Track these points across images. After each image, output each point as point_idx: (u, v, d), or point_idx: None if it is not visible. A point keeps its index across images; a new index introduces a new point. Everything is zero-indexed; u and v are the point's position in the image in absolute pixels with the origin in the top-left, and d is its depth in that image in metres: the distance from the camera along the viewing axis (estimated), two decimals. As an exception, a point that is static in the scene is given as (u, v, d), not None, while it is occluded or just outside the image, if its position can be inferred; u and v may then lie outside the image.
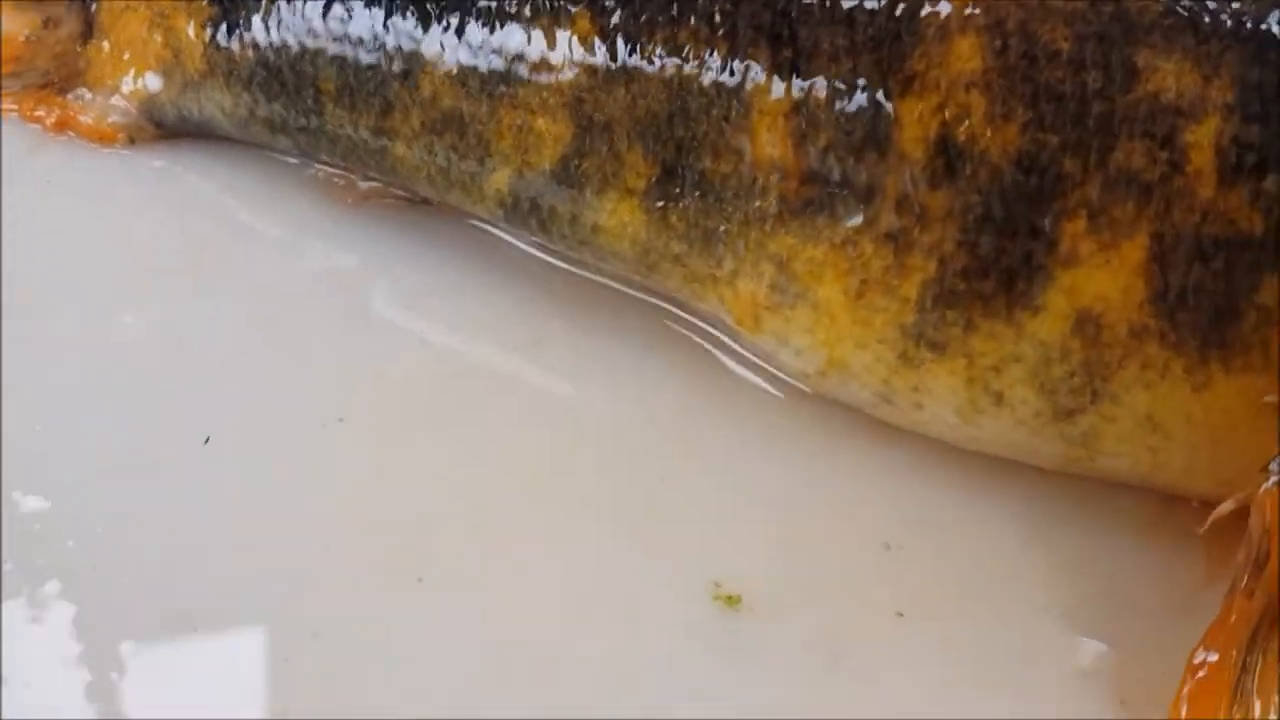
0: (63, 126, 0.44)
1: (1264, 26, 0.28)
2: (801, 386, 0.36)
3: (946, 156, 0.30)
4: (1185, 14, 0.28)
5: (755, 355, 0.37)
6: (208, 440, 0.36)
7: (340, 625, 0.33)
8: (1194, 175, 0.28)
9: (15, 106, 0.44)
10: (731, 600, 0.33)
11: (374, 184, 0.42)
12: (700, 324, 0.38)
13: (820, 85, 0.31)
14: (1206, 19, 0.28)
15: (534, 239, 0.40)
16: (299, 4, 0.39)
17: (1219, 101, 0.28)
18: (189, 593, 0.33)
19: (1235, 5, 0.28)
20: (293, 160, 0.43)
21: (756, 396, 0.37)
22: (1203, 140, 0.28)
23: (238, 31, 0.40)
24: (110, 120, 0.43)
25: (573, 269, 0.40)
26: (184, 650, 0.33)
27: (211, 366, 0.39)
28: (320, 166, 0.42)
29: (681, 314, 0.39)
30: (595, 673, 0.32)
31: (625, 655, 0.32)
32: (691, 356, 0.38)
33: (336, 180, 0.42)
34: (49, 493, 0.35)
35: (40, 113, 0.44)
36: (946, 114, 0.30)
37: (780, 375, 0.37)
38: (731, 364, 0.38)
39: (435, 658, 0.32)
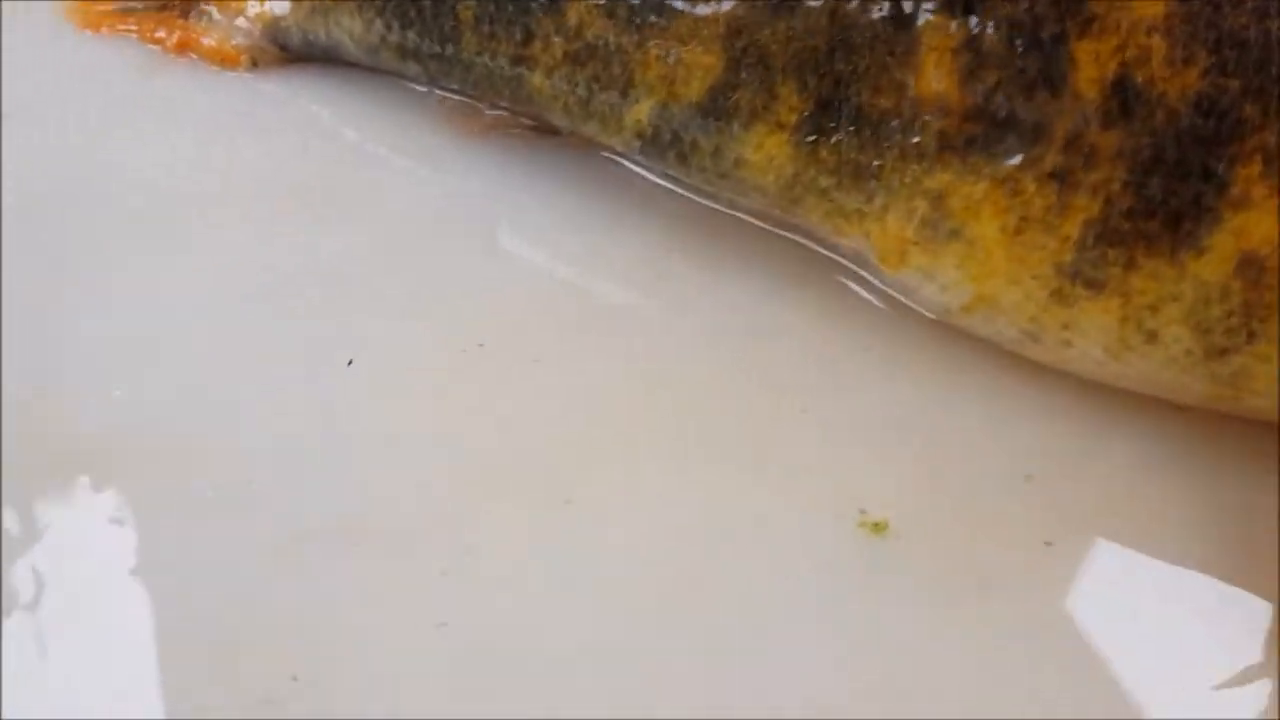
0: (184, 48, 0.44)
1: None
2: (942, 320, 0.37)
3: (1122, 98, 0.31)
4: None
5: (894, 290, 0.38)
6: (350, 362, 0.37)
7: (492, 542, 0.34)
8: (1379, 118, 0.29)
9: (135, 27, 0.44)
10: (878, 527, 0.34)
11: (500, 113, 0.42)
12: (836, 259, 0.39)
13: (994, 23, 0.32)
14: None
15: (668, 172, 0.40)
16: (440, -71, 0.39)
17: None
18: (340, 510, 0.34)
19: None
20: (419, 88, 0.43)
21: (895, 329, 0.38)
22: (1392, 84, 0.28)
23: (374, -46, 0.40)
24: (233, 42, 0.43)
25: (704, 202, 0.41)
26: (339, 563, 0.34)
27: (345, 291, 0.39)
28: (446, 94, 0.42)
29: (815, 249, 0.39)
30: (740, 597, 0.33)
31: (770, 581, 0.33)
32: (826, 291, 0.39)
33: (462, 108, 0.42)
34: (194, 421, 0.36)
35: (161, 34, 0.44)
36: (1126, 56, 0.30)
37: (919, 309, 0.38)
38: (868, 297, 0.39)
39: (582, 580, 0.33)
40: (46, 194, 0.41)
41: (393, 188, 0.42)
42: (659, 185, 0.41)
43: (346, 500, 0.34)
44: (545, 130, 0.42)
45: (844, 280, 0.39)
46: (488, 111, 0.42)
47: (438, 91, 0.43)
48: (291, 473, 0.35)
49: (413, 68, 0.42)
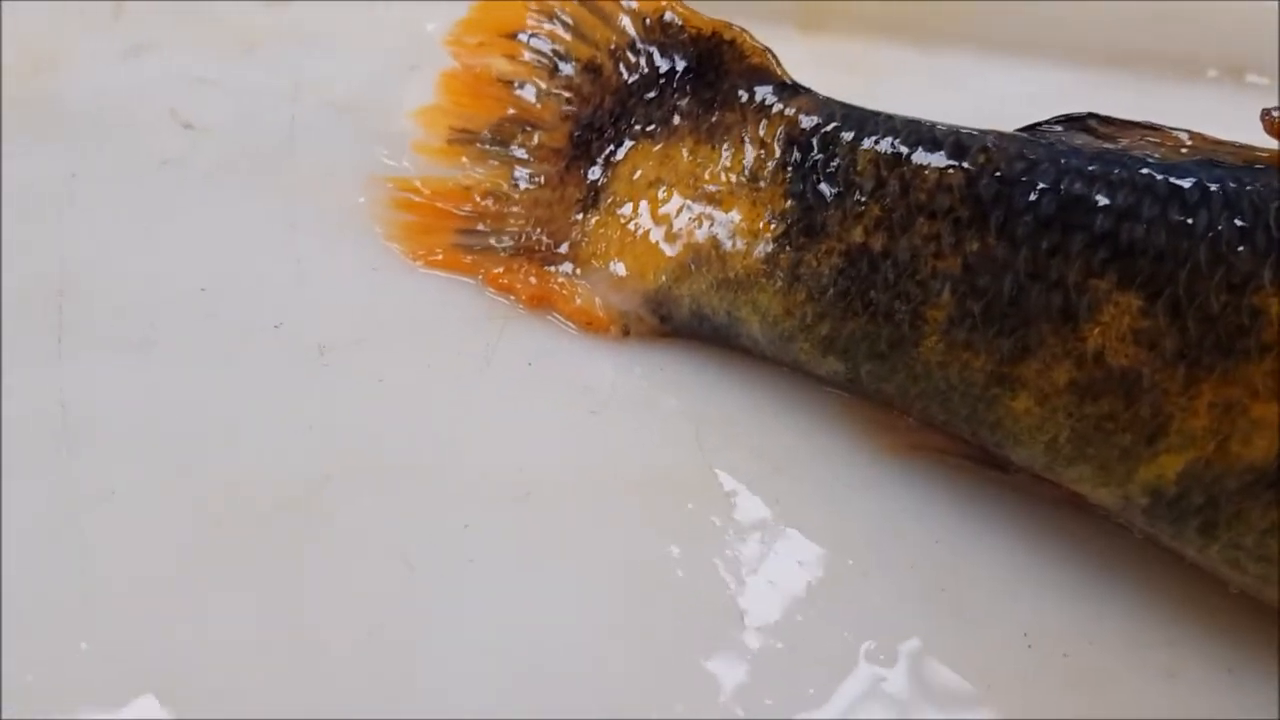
0: (540, 302, 0.37)
1: None
2: None
3: None
4: None
5: None
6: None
7: None
8: None
9: (480, 271, 0.37)
10: None
11: (936, 434, 0.34)
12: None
13: None
14: None
15: (1167, 539, 0.32)
16: (921, 217, 0.32)
17: None
18: None
19: None
20: (829, 389, 0.35)
21: None
22: None
23: (817, 234, 0.34)
24: (604, 304, 0.36)
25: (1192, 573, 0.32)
26: None
27: (742, 631, 0.30)
28: (864, 399, 0.35)
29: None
30: None
31: None
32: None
33: (881, 418, 0.35)
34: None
35: (514, 282, 0.37)
36: None
37: None
38: None
39: None
40: (367, 451, 0.33)
41: (795, 499, 0.33)
42: (1123, 540, 0.33)
43: None
44: (990, 464, 0.34)
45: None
46: (916, 428, 0.34)
47: (847, 394, 0.35)
48: None
49: (831, 364, 0.34)
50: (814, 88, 0.53)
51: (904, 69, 0.52)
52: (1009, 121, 0.50)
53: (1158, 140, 0.33)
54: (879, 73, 0.51)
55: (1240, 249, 0.29)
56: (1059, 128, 0.34)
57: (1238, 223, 0.30)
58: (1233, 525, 0.30)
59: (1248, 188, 0.30)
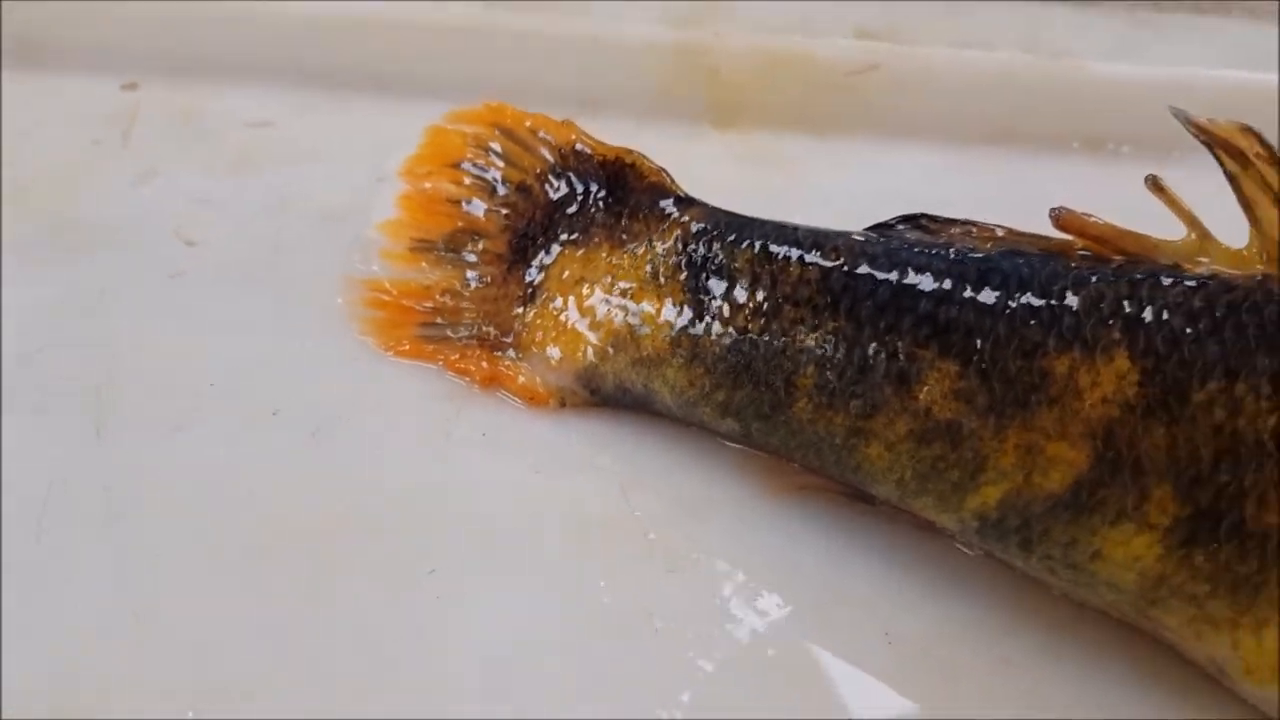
0: (491, 382, 0.44)
1: None
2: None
3: None
4: None
5: (1255, 702, 0.36)
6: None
7: None
8: None
9: (441, 357, 0.45)
10: None
11: (814, 476, 0.42)
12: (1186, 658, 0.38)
13: (1407, 455, 0.32)
14: None
15: (997, 554, 0.39)
16: (789, 305, 0.40)
17: None
18: None
19: None
20: (728, 444, 0.43)
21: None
22: None
23: (711, 320, 0.41)
24: (543, 382, 0.44)
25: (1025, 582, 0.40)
26: None
27: (648, 639, 0.38)
28: (757, 451, 0.43)
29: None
30: None
31: None
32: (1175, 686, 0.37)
33: (771, 466, 0.42)
34: None
35: (469, 366, 0.44)
36: None
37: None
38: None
39: None
40: (355, 511, 0.40)
41: (710, 539, 0.41)
42: (971, 557, 0.41)
43: None
44: (860, 498, 0.41)
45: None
46: (799, 472, 0.42)
47: (743, 447, 0.43)
48: None
49: (728, 424, 0.42)
50: (728, 179, 0.61)
51: (808, 157, 0.60)
52: (900, 196, 0.59)
53: (975, 234, 0.40)
54: (785, 162, 0.59)
55: (1031, 322, 0.37)
56: (900, 226, 0.41)
57: (1029, 301, 0.37)
58: (1042, 541, 0.37)
59: (1039, 272, 0.38)
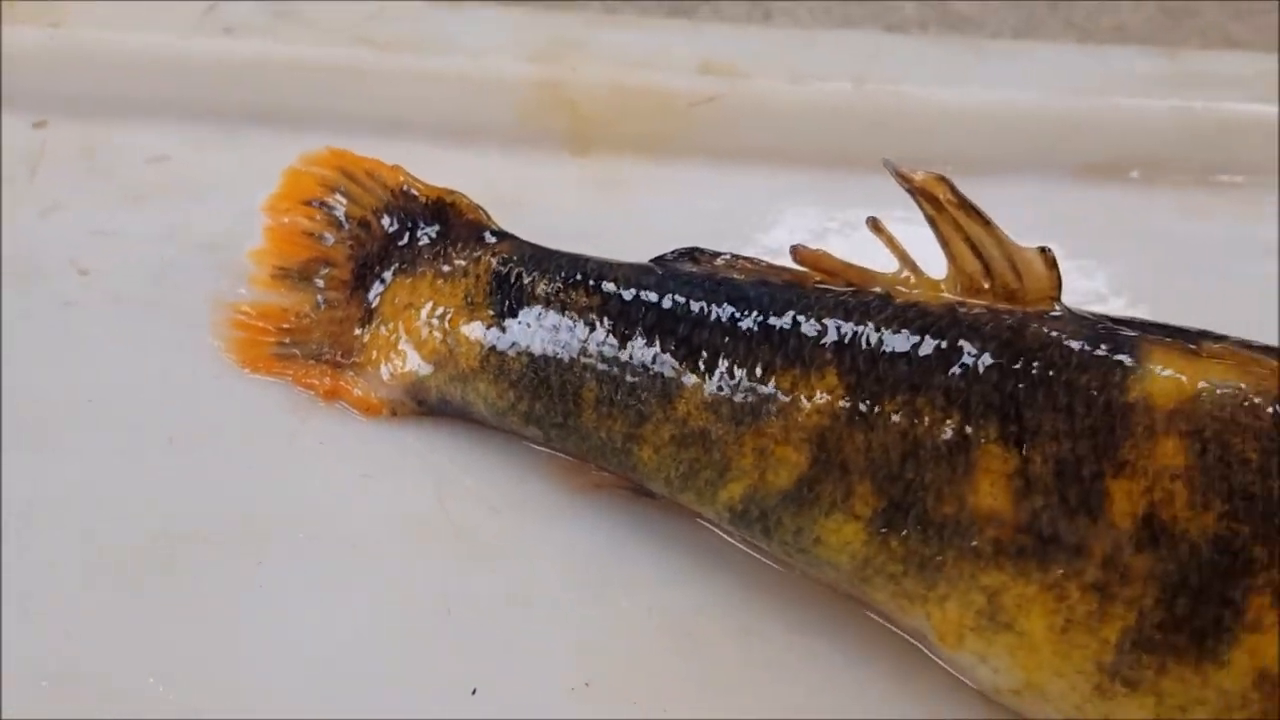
0: (333, 395, 0.51)
1: None
2: (994, 699, 0.42)
3: (1151, 530, 0.37)
4: (1354, 439, 0.36)
5: (949, 665, 0.43)
6: (474, 691, 0.42)
7: None
8: (1366, 575, 0.35)
9: (290, 373, 0.51)
10: None
11: (607, 474, 0.48)
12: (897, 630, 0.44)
13: (1041, 457, 0.38)
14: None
15: (749, 539, 0.46)
16: (577, 327, 0.46)
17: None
18: None
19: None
20: (536, 447, 0.49)
21: (939, 699, 0.43)
22: (1376, 546, 0.35)
23: (514, 340, 0.48)
24: (377, 394, 0.50)
25: (778, 568, 0.46)
26: None
27: (466, 624, 0.44)
28: (560, 454, 0.49)
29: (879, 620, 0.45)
30: None
31: None
32: (886, 655, 0.44)
33: (572, 467, 0.49)
34: None
35: (314, 380, 0.51)
36: (1153, 496, 0.37)
37: (970, 684, 0.42)
38: (920, 666, 0.44)
39: None
40: (203, 518, 0.47)
41: (511, 533, 0.48)
42: (743, 550, 0.47)
43: None
44: (642, 493, 0.48)
45: (903, 648, 0.44)
46: (595, 472, 0.48)
47: (551, 451, 0.49)
48: None
49: (533, 431, 0.48)
50: (584, 202, 0.67)
51: (654, 182, 0.66)
52: (732, 218, 0.65)
53: (736, 266, 0.47)
54: (633, 186, 0.65)
55: (764, 343, 0.43)
56: (676, 258, 0.48)
57: (765, 325, 0.44)
58: (778, 529, 0.44)
59: (777, 300, 0.44)
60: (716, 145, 0.66)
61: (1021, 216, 0.67)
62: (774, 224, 0.65)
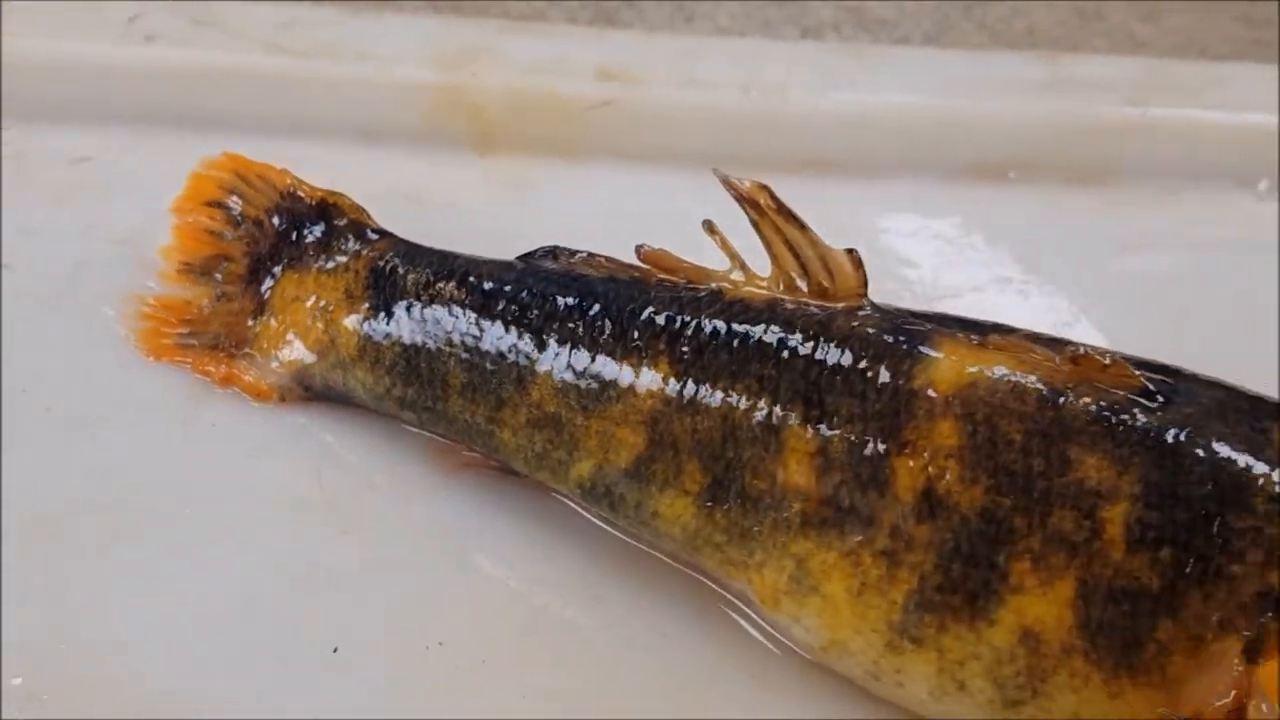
0: (228, 381, 0.55)
1: (1165, 439, 0.39)
2: (808, 656, 0.46)
3: (929, 503, 0.41)
4: (1107, 423, 0.40)
5: (771, 626, 0.47)
6: (335, 650, 0.46)
7: None
8: (1109, 541, 0.39)
9: (189, 360, 0.55)
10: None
11: (475, 455, 0.52)
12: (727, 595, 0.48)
13: (838, 438, 0.42)
14: (1122, 429, 0.39)
15: (600, 514, 0.50)
16: (443, 319, 0.50)
17: (1128, 491, 0.39)
18: None
19: (1144, 420, 0.40)
20: (412, 429, 0.53)
21: (769, 659, 0.47)
22: (1115, 517, 0.39)
23: (388, 331, 0.52)
24: (267, 381, 0.54)
25: (629, 540, 0.50)
26: None
27: (336, 589, 0.48)
28: (433, 436, 0.53)
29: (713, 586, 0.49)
30: None
31: None
32: (718, 619, 0.48)
33: (444, 448, 0.53)
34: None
35: (210, 368, 0.55)
36: (930, 472, 0.41)
37: (789, 644, 0.47)
38: (750, 629, 0.48)
39: None
40: (95, 493, 0.51)
41: (383, 508, 0.52)
42: (597, 524, 0.51)
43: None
44: (508, 471, 0.52)
45: (732, 614, 0.48)
46: (465, 453, 0.52)
47: (427, 433, 0.53)
48: None
49: (408, 415, 0.52)
50: (489, 200, 0.70)
51: (554, 182, 0.69)
52: (627, 217, 0.68)
53: (591, 263, 0.50)
54: (534, 185, 0.69)
55: (606, 334, 0.47)
56: (539, 255, 0.52)
57: (608, 316, 0.48)
58: (621, 504, 0.48)
59: (622, 294, 0.48)
60: (613, 147, 0.70)
61: (903, 216, 0.72)
62: (665, 222, 0.68)
